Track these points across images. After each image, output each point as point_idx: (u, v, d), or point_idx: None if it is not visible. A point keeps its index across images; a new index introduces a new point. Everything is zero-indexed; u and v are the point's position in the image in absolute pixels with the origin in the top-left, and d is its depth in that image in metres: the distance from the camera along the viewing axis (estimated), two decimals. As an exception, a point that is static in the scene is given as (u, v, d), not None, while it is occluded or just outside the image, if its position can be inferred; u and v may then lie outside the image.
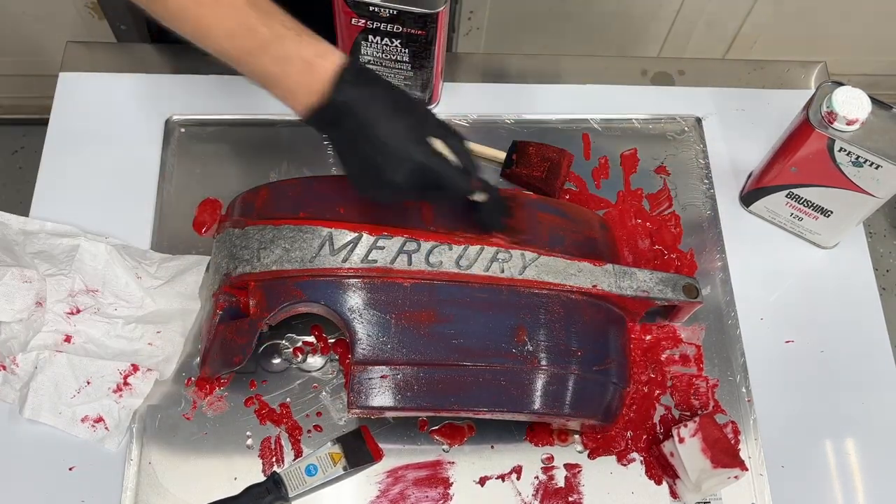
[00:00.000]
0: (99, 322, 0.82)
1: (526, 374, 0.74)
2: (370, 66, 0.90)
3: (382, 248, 0.76)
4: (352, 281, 0.75)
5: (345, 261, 0.75)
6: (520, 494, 0.79)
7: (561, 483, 0.80)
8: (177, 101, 0.97)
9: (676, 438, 0.77)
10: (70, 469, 0.78)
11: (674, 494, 0.80)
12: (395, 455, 0.80)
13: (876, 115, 0.79)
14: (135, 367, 0.80)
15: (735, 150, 0.98)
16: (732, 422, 0.83)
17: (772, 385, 0.85)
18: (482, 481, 0.79)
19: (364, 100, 0.67)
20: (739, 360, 0.86)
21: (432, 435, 0.81)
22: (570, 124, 0.98)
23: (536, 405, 0.73)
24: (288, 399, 0.81)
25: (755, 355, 0.86)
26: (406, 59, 0.89)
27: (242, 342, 0.75)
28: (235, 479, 0.78)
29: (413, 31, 0.85)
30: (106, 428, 0.78)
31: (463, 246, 0.76)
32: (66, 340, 0.81)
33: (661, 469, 0.80)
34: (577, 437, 0.81)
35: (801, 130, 0.81)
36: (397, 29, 0.85)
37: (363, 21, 0.85)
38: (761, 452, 0.82)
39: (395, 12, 0.83)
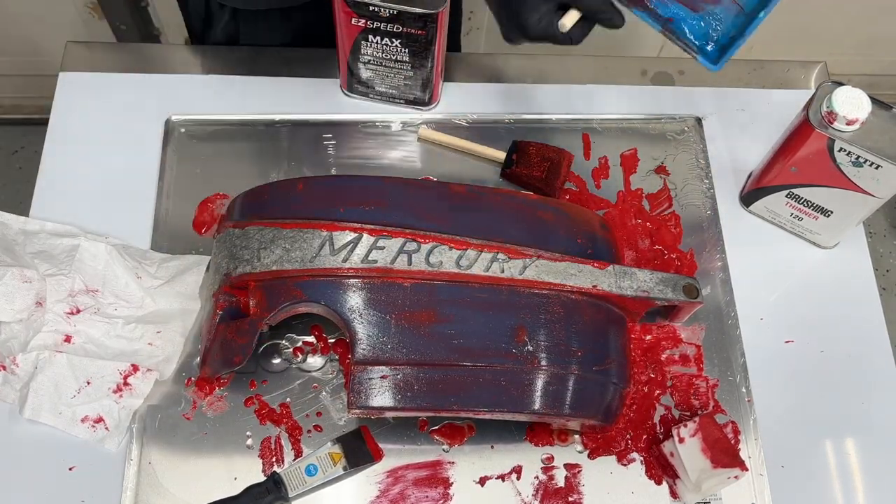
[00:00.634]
0: (99, 322, 0.82)
1: (526, 375, 0.74)
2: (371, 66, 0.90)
3: (382, 248, 0.76)
4: (352, 281, 0.75)
5: (345, 261, 0.75)
6: (520, 494, 0.79)
7: (561, 483, 0.80)
8: (177, 101, 0.97)
9: (676, 438, 0.77)
10: (70, 469, 0.78)
11: (674, 494, 0.80)
12: (395, 455, 0.80)
13: (876, 115, 0.79)
14: (135, 368, 0.80)
15: (735, 150, 0.98)
16: (732, 422, 0.83)
17: (772, 385, 0.86)
18: (482, 481, 0.79)
19: None
20: (739, 360, 0.86)
21: (432, 435, 0.81)
22: (570, 124, 0.98)
23: (536, 405, 0.73)
24: (288, 399, 0.81)
25: (755, 355, 0.86)
26: (406, 59, 0.89)
27: (242, 342, 0.75)
28: (235, 479, 0.78)
29: (413, 31, 0.85)
30: (106, 428, 0.78)
31: (463, 248, 0.76)
32: (66, 340, 0.81)
33: (661, 469, 0.80)
34: (577, 437, 0.81)
35: (801, 130, 0.82)
36: (397, 29, 0.85)
37: (363, 21, 0.85)
38: (761, 452, 0.82)
39: (395, 12, 0.83)
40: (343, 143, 0.95)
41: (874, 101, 0.79)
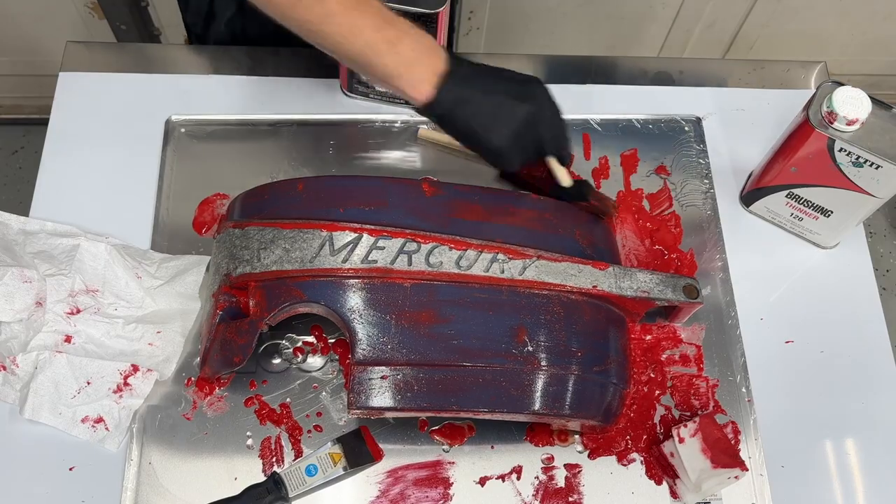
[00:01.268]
0: (99, 322, 0.82)
1: (526, 375, 0.74)
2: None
3: (382, 248, 0.76)
4: (352, 281, 0.75)
5: (345, 261, 0.75)
6: (520, 494, 0.79)
7: (561, 483, 0.80)
8: (177, 101, 0.97)
9: (676, 438, 0.77)
10: (70, 469, 0.78)
11: (674, 494, 0.80)
12: (395, 455, 0.80)
13: (876, 115, 0.79)
14: (135, 368, 0.80)
15: (735, 150, 0.98)
16: (732, 422, 0.83)
17: (772, 385, 0.86)
18: (482, 481, 0.79)
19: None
20: (739, 360, 0.86)
21: (432, 435, 0.81)
22: (570, 124, 0.98)
23: (536, 406, 0.73)
24: (288, 399, 0.81)
25: (755, 355, 0.86)
26: (406, 59, 0.89)
27: (242, 342, 0.75)
28: (235, 479, 0.78)
29: (413, 31, 0.85)
30: (106, 428, 0.78)
31: (463, 248, 0.76)
32: (66, 340, 0.81)
33: (662, 469, 0.80)
34: (577, 437, 0.81)
35: (801, 130, 0.81)
36: (397, 29, 0.85)
37: (363, 21, 0.85)
38: (761, 452, 0.82)
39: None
40: (343, 143, 0.95)
41: (874, 101, 0.79)
